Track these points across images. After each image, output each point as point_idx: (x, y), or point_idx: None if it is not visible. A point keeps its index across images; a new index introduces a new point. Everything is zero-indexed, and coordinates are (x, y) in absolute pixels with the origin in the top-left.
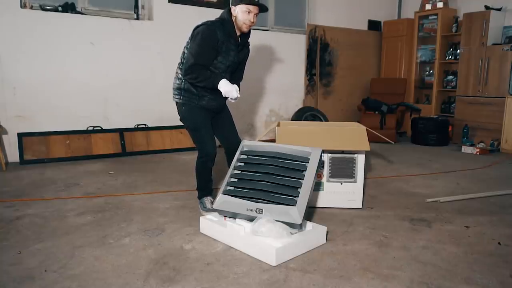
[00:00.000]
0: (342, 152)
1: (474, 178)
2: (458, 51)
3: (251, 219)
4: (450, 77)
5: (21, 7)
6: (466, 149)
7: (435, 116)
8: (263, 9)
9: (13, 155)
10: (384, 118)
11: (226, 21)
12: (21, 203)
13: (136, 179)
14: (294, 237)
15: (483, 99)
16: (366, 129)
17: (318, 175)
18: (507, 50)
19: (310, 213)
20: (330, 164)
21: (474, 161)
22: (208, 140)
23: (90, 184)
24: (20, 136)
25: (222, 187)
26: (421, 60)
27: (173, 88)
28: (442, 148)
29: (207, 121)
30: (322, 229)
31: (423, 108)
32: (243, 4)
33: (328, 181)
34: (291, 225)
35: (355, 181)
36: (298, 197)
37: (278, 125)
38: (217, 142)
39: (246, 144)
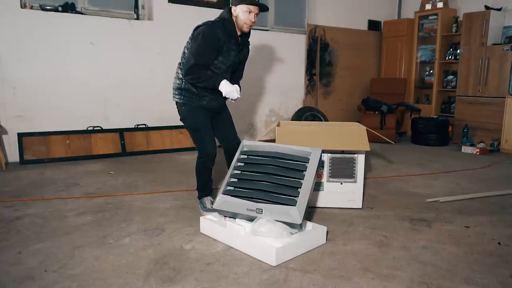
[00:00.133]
0: (342, 152)
1: (474, 178)
2: (458, 51)
3: (251, 219)
4: (450, 77)
5: (21, 7)
6: (466, 149)
7: (435, 116)
8: (263, 9)
9: (13, 155)
10: (384, 118)
11: (227, 21)
12: (21, 203)
13: (136, 179)
14: (294, 237)
15: (483, 99)
16: (366, 129)
17: (318, 175)
18: (507, 50)
19: (310, 213)
20: (330, 164)
21: (474, 161)
22: (208, 140)
23: (90, 184)
24: (20, 136)
25: (222, 187)
26: (421, 60)
27: (173, 88)
28: (442, 148)
29: (207, 121)
30: (322, 229)
31: (423, 108)
32: (244, 4)
33: (328, 181)
34: (291, 225)
35: (355, 181)
36: (298, 197)
37: (278, 125)
38: (217, 142)
39: (246, 144)
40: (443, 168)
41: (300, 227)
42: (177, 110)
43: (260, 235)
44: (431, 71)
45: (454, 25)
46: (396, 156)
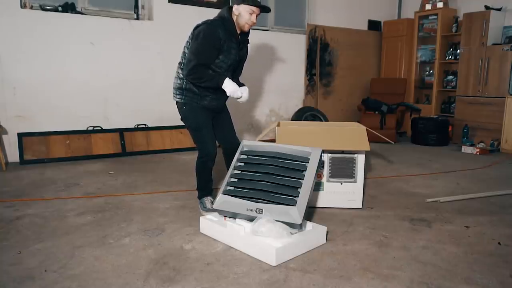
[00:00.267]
0: (342, 152)
1: (474, 178)
2: (458, 51)
3: (251, 219)
4: (450, 77)
5: (21, 7)
6: (466, 149)
7: (435, 116)
8: (266, 10)
9: (13, 155)
10: (384, 118)
11: (227, 20)
12: (21, 203)
13: (136, 179)
14: (294, 237)
15: (483, 99)
16: (366, 129)
17: (318, 175)
18: (507, 50)
19: (310, 213)
20: (330, 164)
21: (474, 161)
22: (208, 140)
23: (90, 184)
24: (20, 136)
25: (222, 187)
26: (421, 60)
27: (173, 88)
28: (442, 148)
29: (208, 121)
30: (322, 229)
31: (423, 108)
32: (247, 5)
33: (328, 181)
34: (291, 225)
35: (355, 181)
36: (298, 197)
37: (278, 125)
38: (217, 142)
39: (246, 144)
40: (443, 168)
41: (300, 227)
42: (177, 110)
43: (260, 235)
44: (431, 71)
45: (454, 25)
46: (396, 156)
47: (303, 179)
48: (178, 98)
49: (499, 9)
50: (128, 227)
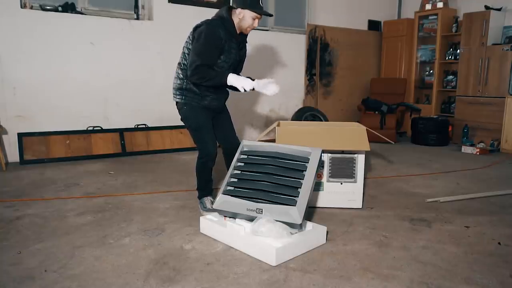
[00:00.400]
0: (342, 152)
1: (474, 178)
2: (458, 51)
3: (251, 219)
4: (450, 77)
5: (21, 7)
6: (466, 149)
7: (435, 116)
8: (268, 15)
9: (13, 155)
10: (384, 118)
11: (226, 20)
12: (21, 203)
13: (136, 179)
14: (294, 237)
15: (483, 99)
16: (366, 129)
17: (318, 175)
18: (507, 50)
19: (310, 213)
20: (330, 164)
21: (474, 161)
22: (209, 140)
23: (90, 184)
24: (20, 136)
25: (222, 187)
26: (421, 60)
27: (173, 88)
28: (442, 148)
29: (208, 121)
30: (322, 229)
31: (423, 108)
32: (252, 11)
33: (328, 181)
34: (291, 225)
35: (355, 181)
36: (298, 197)
37: (278, 125)
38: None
39: (246, 144)
40: (443, 168)
41: (300, 227)
42: (177, 110)
43: (260, 235)
44: (431, 71)
45: (454, 25)
46: (396, 156)
47: (303, 179)
48: (178, 98)
49: (499, 9)
50: (128, 227)
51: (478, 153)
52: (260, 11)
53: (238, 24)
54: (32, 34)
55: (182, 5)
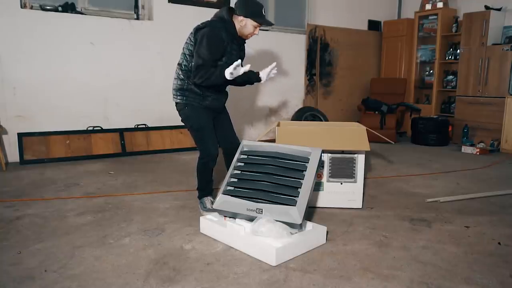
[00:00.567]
0: (342, 152)
1: (474, 178)
2: (458, 51)
3: (251, 219)
4: (450, 77)
5: (21, 7)
6: (466, 149)
7: (435, 116)
8: (270, 24)
9: (13, 155)
10: (384, 118)
11: (227, 22)
12: (21, 203)
13: (136, 179)
14: (294, 237)
15: (483, 99)
16: (366, 129)
17: (318, 175)
18: (507, 50)
19: (310, 213)
20: (330, 164)
21: (474, 161)
22: (210, 141)
23: (90, 184)
24: (20, 136)
25: (222, 187)
26: (421, 60)
27: (174, 89)
28: (442, 148)
29: (209, 121)
30: (322, 229)
31: (423, 108)
32: (255, 21)
33: (328, 181)
34: (291, 225)
35: (355, 181)
36: (298, 197)
37: (278, 125)
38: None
39: (246, 144)
40: (443, 168)
41: (300, 227)
42: (178, 111)
43: (260, 235)
44: (431, 71)
45: (454, 25)
46: (396, 156)
47: (303, 179)
48: (179, 99)
49: (499, 9)
50: (128, 227)
51: (478, 153)
52: (263, 21)
53: (239, 29)
54: (32, 34)
55: (182, 5)
